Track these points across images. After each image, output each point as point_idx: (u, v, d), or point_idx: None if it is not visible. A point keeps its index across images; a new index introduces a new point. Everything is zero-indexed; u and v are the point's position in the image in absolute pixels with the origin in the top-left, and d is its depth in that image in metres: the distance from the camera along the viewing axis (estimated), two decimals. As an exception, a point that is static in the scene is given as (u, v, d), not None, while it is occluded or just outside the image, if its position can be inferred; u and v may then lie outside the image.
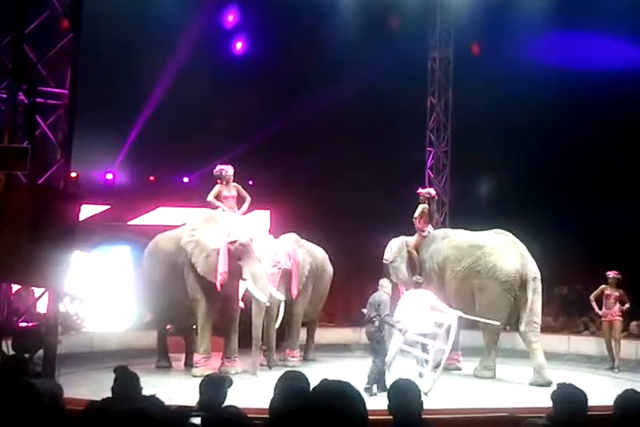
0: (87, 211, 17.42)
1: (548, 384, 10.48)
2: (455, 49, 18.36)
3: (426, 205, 13.28)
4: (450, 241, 12.77)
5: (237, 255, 11.42)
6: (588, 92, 16.43)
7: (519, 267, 11.86)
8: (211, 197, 12.30)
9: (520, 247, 12.27)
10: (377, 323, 9.78)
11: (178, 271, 11.82)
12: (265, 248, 11.97)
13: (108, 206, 17.87)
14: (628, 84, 16.56)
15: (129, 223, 17.96)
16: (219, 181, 12.44)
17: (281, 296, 12.02)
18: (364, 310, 10.30)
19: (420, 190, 13.43)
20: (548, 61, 17.54)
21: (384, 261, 13.27)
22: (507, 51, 17.53)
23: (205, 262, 11.43)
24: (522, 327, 11.53)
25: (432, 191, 13.48)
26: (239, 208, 12.43)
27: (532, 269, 11.90)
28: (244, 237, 11.46)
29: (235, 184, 12.49)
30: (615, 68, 16.93)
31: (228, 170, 12.41)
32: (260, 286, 11.42)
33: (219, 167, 12.49)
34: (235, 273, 11.44)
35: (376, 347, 9.98)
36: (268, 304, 11.63)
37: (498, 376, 11.82)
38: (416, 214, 13.16)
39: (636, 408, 3.89)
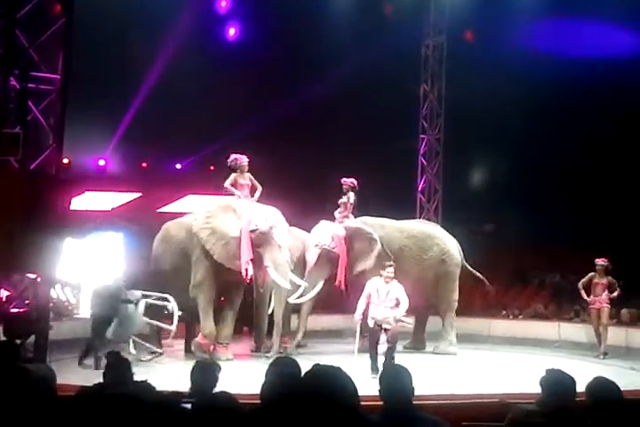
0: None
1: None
2: (449, 36, 18.31)
3: (353, 194, 13.38)
4: (400, 230, 13.28)
5: (258, 243, 11.53)
6: (583, 79, 16.41)
7: (460, 254, 13.49)
8: (227, 184, 12.38)
9: (450, 236, 13.69)
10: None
11: (187, 258, 11.95)
12: (284, 236, 11.93)
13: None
14: (623, 70, 16.55)
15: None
16: (237, 170, 12.42)
17: (302, 283, 12.02)
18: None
19: (344, 180, 13.47)
20: (542, 48, 17.54)
21: (324, 247, 12.63)
22: (500, 38, 17.51)
23: (223, 250, 11.52)
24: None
25: (354, 181, 13.52)
26: (252, 197, 12.48)
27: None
28: (264, 225, 11.55)
29: (248, 173, 12.53)
30: (610, 54, 16.93)
31: (243, 159, 12.46)
32: (281, 273, 11.55)
33: (233, 157, 12.52)
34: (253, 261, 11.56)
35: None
36: (289, 288, 11.71)
37: (489, 363, 11.93)
38: (346, 200, 13.33)
39: (607, 395, 3.94)
